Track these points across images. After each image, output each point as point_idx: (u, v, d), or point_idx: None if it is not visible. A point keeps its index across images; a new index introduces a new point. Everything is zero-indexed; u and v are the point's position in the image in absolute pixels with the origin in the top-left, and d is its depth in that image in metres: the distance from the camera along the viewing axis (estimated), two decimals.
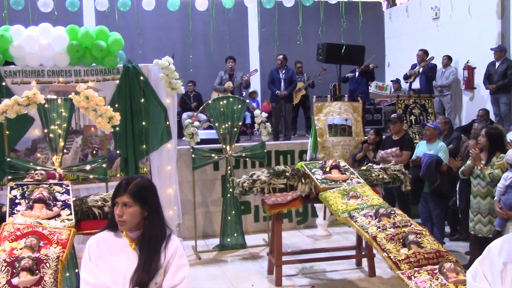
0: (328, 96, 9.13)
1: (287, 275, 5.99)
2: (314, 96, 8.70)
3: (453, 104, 10.60)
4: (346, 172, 5.81)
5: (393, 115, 7.79)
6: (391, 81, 12.07)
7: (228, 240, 7.08)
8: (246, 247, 7.10)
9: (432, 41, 11.15)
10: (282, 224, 5.98)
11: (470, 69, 10.29)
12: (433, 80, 10.37)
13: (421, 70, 10.18)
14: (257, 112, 7.30)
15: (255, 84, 12.23)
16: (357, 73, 10.33)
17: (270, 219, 6.94)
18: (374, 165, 6.25)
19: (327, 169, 5.81)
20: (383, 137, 7.82)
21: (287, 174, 5.75)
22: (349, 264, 6.36)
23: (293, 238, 7.72)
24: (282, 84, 10.08)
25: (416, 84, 10.28)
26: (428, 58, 10.13)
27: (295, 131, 10.85)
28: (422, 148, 6.93)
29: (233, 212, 7.07)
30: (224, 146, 7.05)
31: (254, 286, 5.78)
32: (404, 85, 11.38)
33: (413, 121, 8.94)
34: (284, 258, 5.91)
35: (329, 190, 5.46)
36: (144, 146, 6.91)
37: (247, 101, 7.30)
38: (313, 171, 5.83)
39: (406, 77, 10.58)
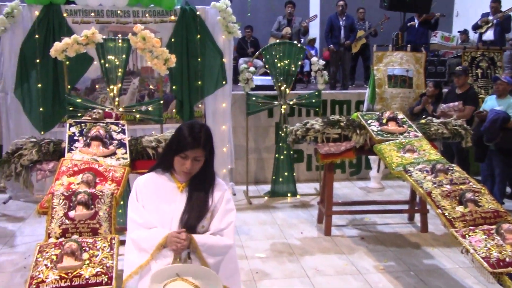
0: (390, 45, 8.75)
1: (337, 225, 5.97)
2: (375, 45, 8.37)
3: None
4: (403, 125, 5.60)
5: (457, 68, 7.39)
6: (459, 32, 11.43)
7: (280, 187, 7.09)
8: (297, 195, 7.10)
9: None
10: (334, 175, 5.91)
11: None
12: (507, 32, 9.72)
13: (495, 21, 9.53)
14: (314, 59, 7.10)
15: (314, 30, 11.89)
16: (416, 22, 9.82)
17: (322, 169, 6.88)
18: (433, 118, 6.00)
19: (384, 121, 5.63)
20: (445, 90, 7.47)
21: (341, 124, 5.61)
22: (401, 218, 6.25)
23: (345, 189, 7.65)
24: (342, 31, 9.76)
25: (489, 36, 9.66)
26: (507, 8, 9.45)
27: (353, 81, 10.58)
28: (491, 103, 6.57)
29: (285, 160, 7.03)
30: (279, 93, 6.95)
31: (303, 234, 5.79)
32: (473, 37, 10.74)
33: (479, 74, 8.47)
34: (335, 208, 5.87)
35: (384, 142, 5.30)
36: (199, 89, 6.94)
37: (305, 48, 7.11)
38: (369, 122, 5.66)
39: (476, 27, 9.96)
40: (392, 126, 5.54)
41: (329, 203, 5.74)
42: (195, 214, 2.57)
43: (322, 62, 7.05)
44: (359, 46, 10.36)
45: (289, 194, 7.08)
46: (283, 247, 5.40)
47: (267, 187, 7.34)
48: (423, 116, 6.44)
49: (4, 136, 6.75)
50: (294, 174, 7.19)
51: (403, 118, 5.79)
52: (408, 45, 8.68)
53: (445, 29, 11.55)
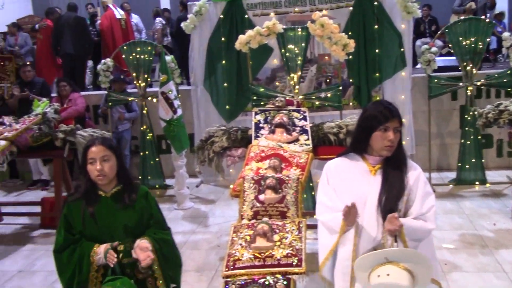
0: None
1: None
2: None
3: None
4: None
5: None
6: None
7: (466, 174, 6.60)
8: (487, 184, 6.55)
9: None
10: None
11: None
12: None
13: None
14: (505, 34, 6.44)
15: (502, 4, 10.82)
16: None
17: None
18: None
19: None
20: None
21: None
22: None
23: None
24: None
25: None
26: None
27: None
28: None
29: (473, 145, 6.52)
30: (464, 74, 6.46)
31: (496, 225, 5.33)
32: None
33: None
34: None
35: None
36: (377, 74, 6.79)
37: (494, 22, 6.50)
38: None
39: None
40: None
41: None
42: (393, 195, 2.50)
43: None
44: None
45: (477, 182, 6.55)
46: (473, 238, 5.04)
47: (451, 175, 6.90)
48: None
49: (195, 126, 7.37)
50: (483, 160, 6.63)
51: None
52: None
53: None
